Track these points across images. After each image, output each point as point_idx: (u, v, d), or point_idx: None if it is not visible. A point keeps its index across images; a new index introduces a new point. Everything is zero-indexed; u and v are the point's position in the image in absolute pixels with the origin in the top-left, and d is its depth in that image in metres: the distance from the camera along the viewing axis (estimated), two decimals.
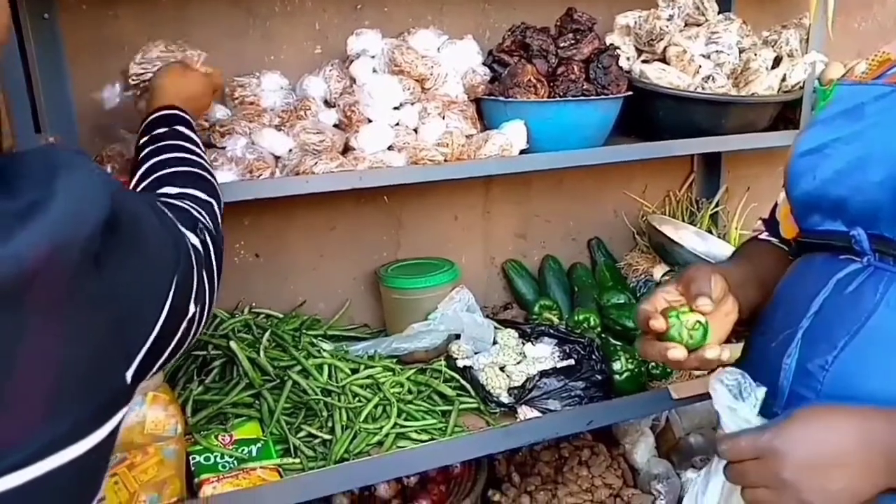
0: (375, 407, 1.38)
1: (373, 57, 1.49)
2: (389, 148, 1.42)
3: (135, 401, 1.10)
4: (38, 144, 1.18)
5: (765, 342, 0.86)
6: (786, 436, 0.69)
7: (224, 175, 1.26)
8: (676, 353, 0.77)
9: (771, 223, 1.01)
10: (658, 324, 0.77)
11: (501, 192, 1.86)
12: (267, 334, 1.42)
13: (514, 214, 1.90)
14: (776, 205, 1.00)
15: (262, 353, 1.39)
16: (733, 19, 1.67)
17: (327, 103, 1.48)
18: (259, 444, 1.29)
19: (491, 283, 1.91)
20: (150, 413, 1.12)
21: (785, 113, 1.79)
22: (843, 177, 0.77)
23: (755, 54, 1.63)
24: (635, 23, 1.66)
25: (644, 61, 1.63)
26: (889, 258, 0.73)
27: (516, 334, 1.61)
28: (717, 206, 1.99)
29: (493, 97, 1.50)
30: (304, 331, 1.55)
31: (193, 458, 1.25)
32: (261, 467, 1.24)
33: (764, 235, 1.03)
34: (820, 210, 0.81)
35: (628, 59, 1.64)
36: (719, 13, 1.70)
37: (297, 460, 1.28)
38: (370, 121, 1.41)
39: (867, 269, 0.75)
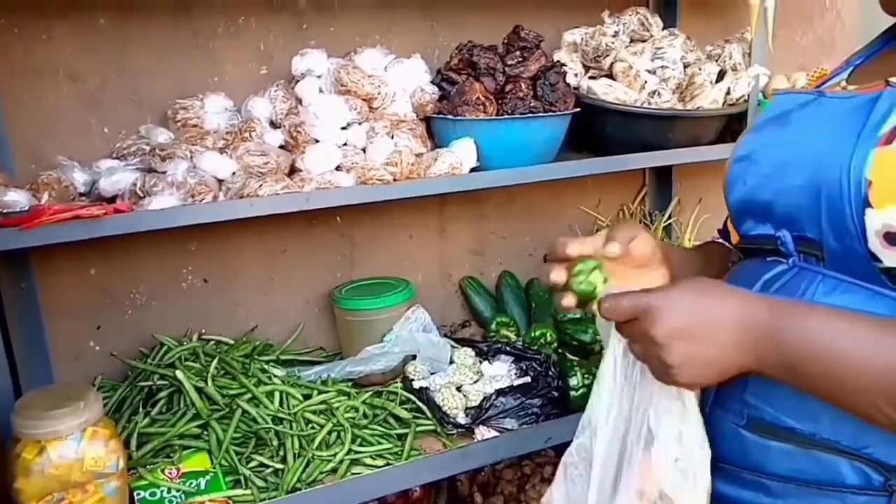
0: (329, 433, 1.35)
1: (319, 77, 1.47)
2: (338, 168, 1.40)
3: (73, 437, 1.06)
4: None
5: None
6: (666, 297, 0.70)
7: (165, 200, 1.23)
8: (565, 301, 0.81)
9: (724, 232, 1.03)
10: (557, 277, 0.80)
11: (456, 209, 1.85)
12: (215, 362, 1.39)
13: (470, 232, 1.89)
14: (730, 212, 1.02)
15: (209, 381, 1.35)
16: (677, 34, 1.69)
17: (273, 124, 1.46)
18: (208, 477, 1.25)
19: (448, 300, 1.89)
20: (89, 449, 1.07)
21: (731, 125, 1.82)
22: (770, 181, 0.78)
23: (700, 69, 1.66)
24: (582, 39, 1.68)
25: (591, 77, 1.64)
26: (811, 258, 0.74)
27: (473, 353, 1.59)
28: (669, 218, 2.01)
29: (442, 115, 1.50)
30: (255, 356, 1.51)
31: (138, 494, 1.20)
32: (210, 500, 1.20)
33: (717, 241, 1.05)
34: (752, 215, 0.82)
35: (576, 75, 1.65)
36: (664, 28, 1.73)
37: (248, 491, 1.24)
38: (317, 141, 1.39)
39: (792, 269, 0.76)
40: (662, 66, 1.64)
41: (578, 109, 1.55)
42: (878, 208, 0.65)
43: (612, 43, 1.64)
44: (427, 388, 1.49)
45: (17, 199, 1.18)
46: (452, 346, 1.61)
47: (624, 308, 0.71)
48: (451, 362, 1.57)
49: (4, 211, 1.15)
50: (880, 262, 0.67)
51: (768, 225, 0.79)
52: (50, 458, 1.05)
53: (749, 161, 0.83)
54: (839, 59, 0.91)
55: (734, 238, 0.96)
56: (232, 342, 1.56)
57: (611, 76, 1.64)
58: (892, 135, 0.66)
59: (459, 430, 1.42)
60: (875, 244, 0.67)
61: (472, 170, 1.47)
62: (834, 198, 0.69)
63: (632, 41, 1.69)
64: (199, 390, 1.33)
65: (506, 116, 1.47)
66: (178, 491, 1.21)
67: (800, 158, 0.75)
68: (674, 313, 0.68)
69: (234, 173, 1.32)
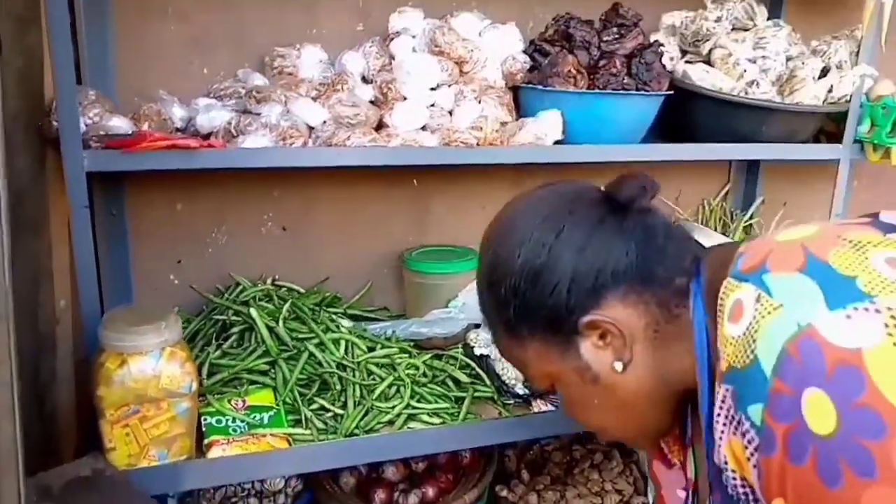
0: (389, 386, 1.36)
1: (413, 36, 1.49)
2: (423, 128, 1.41)
3: (152, 353, 1.11)
4: (79, 96, 1.20)
5: None
6: None
7: (257, 140, 1.27)
8: None
9: None
10: None
11: (533, 185, 1.83)
12: (287, 305, 1.42)
13: None
14: None
15: (281, 322, 1.39)
16: (782, 26, 1.63)
17: (365, 80, 1.48)
18: (271, 412, 1.29)
19: None
20: (166, 368, 1.12)
21: (827, 126, 1.76)
22: None
23: (802, 63, 1.60)
24: (681, 23, 1.64)
25: (688, 62, 1.60)
26: None
27: None
28: (751, 217, 1.95)
29: (530, 85, 1.49)
30: (324, 307, 1.54)
31: (205, 420, 1.24)
32: (271, 434, 1.24)
33: None
34: None
35: (672, 58, 1.61)
36: (769, 19, 1.67)
37: (308, 431, 1.27)
38: (406, 99, 1.41)
39: None
40: (763, 57, 1.58)
41: (672, 92, 1.51)
42: None
43: (714, 28, 1.59)
44: (488, 356, 1.49)
45: (121, 125, 1.24)
46: None
47: None
48: None
49: (109, 134, 1.20)
50: None
51: None
52: (130, 371, 1.10)
53: None
54: None
55: None
56: (303, 290, 1.60)
57: (708, 62, 1.60)
58: None
59: (517, 400, 1.42)
60: None
61: (556, 143, 1.46)
62: None
63: (734, 29, 1.64)
64: (270, 329, 1.37)
65: (596, 91, 1.45)
66: (242, 421, 1.25)
67: None
68: None
69: (324, 122, 1.34)
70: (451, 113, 1.45)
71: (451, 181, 1.74)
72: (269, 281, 1.58)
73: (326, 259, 1.68)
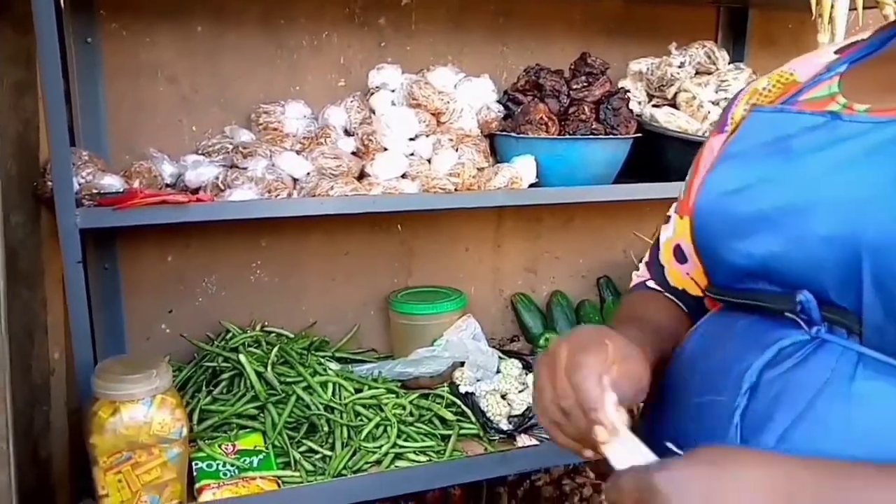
0: (376, 426, 1.40)
1: (392, 91, 1.57)
2: (403, 176, 1.48)
3: (144, 401, 1.15)
4: (72, 157, 1.26)
5: (675, 418, 0.71)
6: (674, 474, 0.53)
7: (244, 193, 1.33)
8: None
9: (654, 267, 0.87)
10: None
11: (512, 227, 1.91)
12: (275, 350, 1.47)
13: (525, 250, 1.94)
14: (657, 245, 0.87)
15: (269, 367, 1.43)
16: (743, 69, 1.72)
17: (347, 132, 1.55)
18: (261, 456, 1.32)
19: (499, 314, 1.94)
20: (157, 415, 1.16)
21: None
22: (776, 228, 0.62)
23: None
24: (647, 69, 1.73)
25: (655, 106, 1.68)
26: (841, 328, 0.59)
27: (520, 364, 1.63)
28: None
29: (505, 133, 1.56)
30: (312, 351, 1.59)
31: (196, 464, 1.28)
32: (260, 477, 1.27)
33: (651, 283, 0.88)
34: (746, 267, 0.66)
35: (639, 102, 1.70)
36: (731, 63, 1.76)
37: (297, 473, 1.30)
38: (386, 149, 1.48)
39: (814, 340, 0.60)
40: (726, 98, 1.67)
41: (640, 135, 1.59)
42: None
43: (678, 73, 1.68)
44: (472, 394, 1.53)
45: (113, 182, 1.30)
46: (500, 357, 1.65)
47: (624, 486, 0.56)
48: (498, 371, 1.61)
49: (101, 192, 1.26)
50: None
51: (765, 282, 0.64)
52: (122, 419, 1.14)
53: (743, 198, 0.66)
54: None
55: (673, 278, 0.83)
56: (292, 335, 1.64)
57: (674, 106, 1.68)
58: None
59: (501, 435, 1.46)
60: None
61: (532, 186, 1.53)
62: (890, 264, 0.54)
63: (697, 73, 1.72)
64: (259, 375, 1.41)
65: (567, 136, 1.52)
66: (232, 465, 1.29)
67: (819, 202, 0.60)
68: (687, 496, 0.52)
69: (308, 173, 1.41)
70: (429, 161, 1.52)
71: (433, 225, 1.80)
72: (258, 327, 1.62)
73: (314, 304, 1.73)
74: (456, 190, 1.48)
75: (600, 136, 1.53)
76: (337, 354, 1.65)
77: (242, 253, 1.65)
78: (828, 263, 0.58)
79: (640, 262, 0.93)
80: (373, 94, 1.56)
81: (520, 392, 1.54)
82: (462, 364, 1.61)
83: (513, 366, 1.61)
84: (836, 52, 0.75)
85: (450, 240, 1.85)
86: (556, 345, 0.67)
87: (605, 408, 0.61)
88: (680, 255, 0.82)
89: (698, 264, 0.76)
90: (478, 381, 1.58)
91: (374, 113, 1.55)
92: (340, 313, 1.76)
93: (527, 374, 1.61)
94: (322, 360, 1.52)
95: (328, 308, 1.74)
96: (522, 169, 1.52)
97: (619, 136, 1.55)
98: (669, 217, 0.85)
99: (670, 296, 0.86)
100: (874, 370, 0.56)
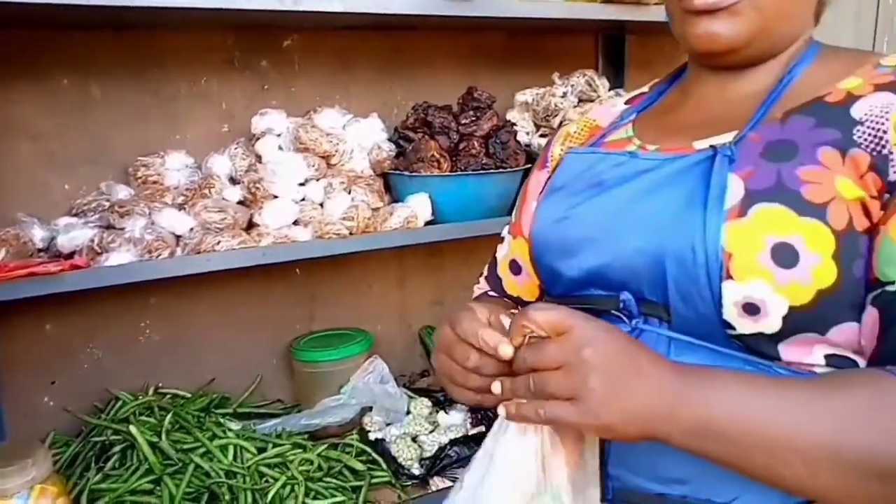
0: (283, 486, 1.35)
1: (278, 135, 1.53)
2: (295, 223, 1.44)
3: (19, 495, 1.06)
4: None
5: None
6: (597, 326, 0.63)
7: (122, 256, 1.25)
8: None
9: (493, 279, 0.99)
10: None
11: (415, 261, 1.89)
12: (169, 416, 1.39)
13: (429, 283, 1.93)
14: (495, 260, 0.98)
15: (163, 436, 1.35)
16: (623, 94, 1.77)
17: (233, 180, 1.50)
18: None
19: (408, 350, 1.92)
20: None
21: None
22: (599, 245, 0.76)
23: None
24: (533, 100, 1.76)
25: (542, 136, 1.72)
26: (654, 319, 0.72)
27: (429, 403, 1.62)
28: None
29: (398, 171, 1.55)
30: (212, 410, 1.51)
31: None
32: None
33: (491, 293, 1.00)
34: (578, 278, 0.78)
35: (527, 133, 1.72)
36: (611, 89, 1.82)
37: None
38: (275, 197, 1.43)
39: (635, 331, 0.73)
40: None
41: (529, 166, 1.61)
42: (740, 280, 0.64)
43: (561, 103, 1.72)
44: (383, 440, 1.50)
45: None
46: (410, 397, 1.63)
47: (555, 319, 0.63)
48: (408, 412, 1.59)
49: None
50: (733, 329, 0.67)
51: (594, 287, 0.77)
52: None
53: (571, 223, 0.79)
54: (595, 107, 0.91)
55: (510, 288, 0.95)
56: (189, 395, 1.56)
57: None
58: (741, 208, 0.66)
59: (414, 481, 1.43)
60: (731, 314, 0.66)
61: (428, 223, 1.53)
62: (685, 266, 0.68)
63: (580, 101, 1.77)
64: (153, 445, 1.33)
65: (459, 172, 1.53)
66: None
67: (631, 223, 0.73)
68: (610, 339, 0.62)
69: (191, 229, 1.35)
70: (321, 205, 1.48)
71: (334, 267, 1.77)
72: (151, 390, 1.53)
73: (212, 359, 1.66)
74: (351, 233, 1.45)
75: (491, 171, 1.54)
76: (239, 410, 1.58)
77: (129, 314, 1.56)
78: (641, 270, 0.72)
79: (480, 276, 1.04)
80: (258, 139, 1.52)
81: (430, 433, 1.52)
82: (370, 409, 1.58)
83: (422, 405, 1.60)
84: (625, 103, 0.92)
85: (352, 281, 1.82)
86: (438, 334, 0.78)
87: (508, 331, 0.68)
88: (515, 269, 0.93)
89: (534, 277, 0.88)
90: (387, 425, 1.55)
91: (260, 159, 1.51)
92: (241, 366, 1.69)
93: (437, 413, 1.59)
94: (221, 422, 1.45)
95: (227, 362, 1.67)
96: (417, 207, 1.51)
97: (510, 170, 1.57)
98: (503, 238, 0.97)
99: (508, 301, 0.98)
100: (682, 349, 0.70)
